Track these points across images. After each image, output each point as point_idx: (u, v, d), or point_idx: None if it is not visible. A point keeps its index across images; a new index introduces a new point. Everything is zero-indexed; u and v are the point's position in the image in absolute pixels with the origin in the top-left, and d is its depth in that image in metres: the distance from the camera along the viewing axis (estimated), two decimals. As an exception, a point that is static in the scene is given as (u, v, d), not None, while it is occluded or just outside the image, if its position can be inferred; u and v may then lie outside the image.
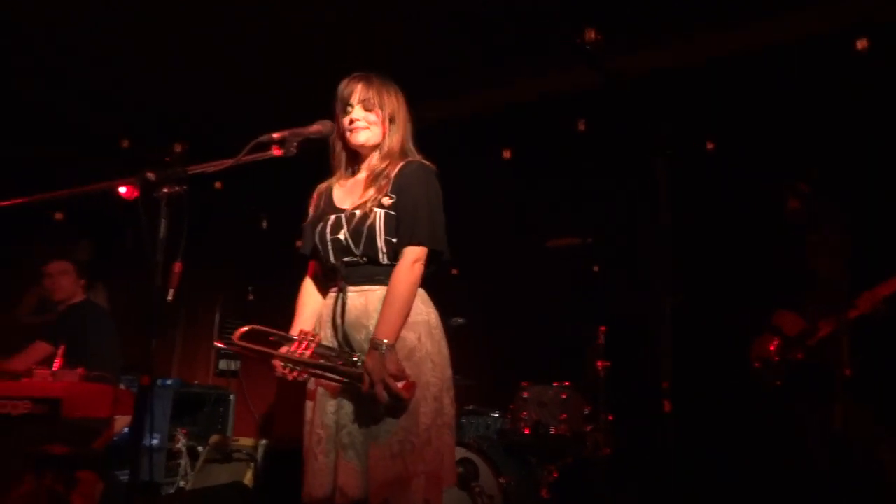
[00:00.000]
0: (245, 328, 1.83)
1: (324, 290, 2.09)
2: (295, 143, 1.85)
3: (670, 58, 3.73)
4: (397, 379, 1.76)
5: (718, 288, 3.44)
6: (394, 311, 1.82)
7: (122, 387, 3.11)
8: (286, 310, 2.20)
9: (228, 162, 1.72)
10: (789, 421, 2.92)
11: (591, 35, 2.75)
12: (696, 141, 3.48)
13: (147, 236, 1.51)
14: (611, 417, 3.17)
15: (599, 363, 3.18)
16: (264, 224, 5.13)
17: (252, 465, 4.03)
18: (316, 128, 1.97)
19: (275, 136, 1.82)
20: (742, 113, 3.54)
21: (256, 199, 5.07)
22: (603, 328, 3.23)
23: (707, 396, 3.21)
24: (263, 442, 4.12)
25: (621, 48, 3.53)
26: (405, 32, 3.71)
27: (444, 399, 1.91)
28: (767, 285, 3.10)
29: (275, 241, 4.96)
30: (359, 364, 1.81)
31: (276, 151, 1.83)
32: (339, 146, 2.07)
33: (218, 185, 4.75)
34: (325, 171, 2.17)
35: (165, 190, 1.55)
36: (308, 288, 2.12)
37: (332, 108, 2.08)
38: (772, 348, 2.95)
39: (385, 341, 1.78)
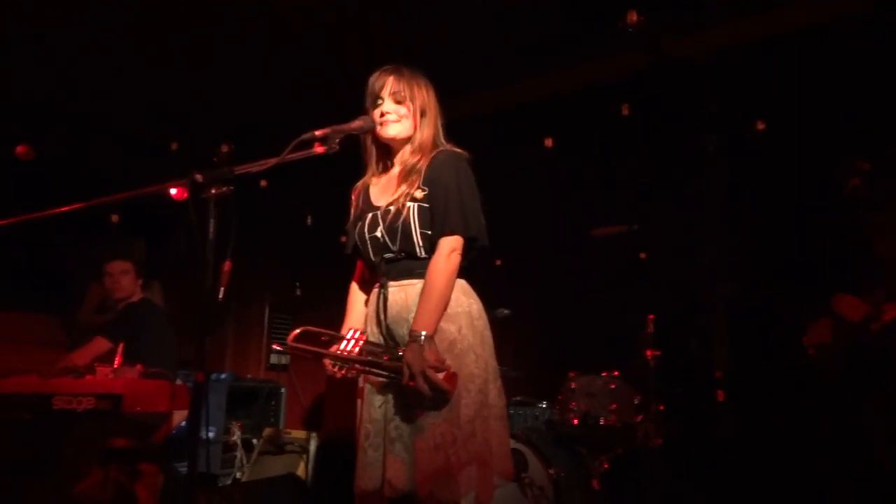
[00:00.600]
0: (298, 330, 1.88)
1: (369, 288, 2.11)
2: (337, 140, 1.88)
3: (719, 37, 3.59)
4: (437, 370, 1.76)
5: (774, 272, 3.32)
6: (431, 303, 1.82)
7: (178, 382, 3.21)
8: (333, 304, 2.24)
9: (273, 161, 1.75)
10: (850, 412, 2.80)
11: (633, 17, 2.68)
12: (747, 122, 3.35)
13: (197, 236, 1.55)
14: (662, 407, 3.11)
15: (649, 352, 3.12)
16: (309, 221, 5.20)
17: (304, 456, 4.12)
18: (357, 123, 1.99)
19: (317, 133, 1.84)
20: (796, 91, 3.40)
21: (301, 197, 5.15)
22: (652, 316, 3.17)
23: (762, 385, 3.12)
24: (314, 434, 4.20)
25: (669, 29, 3.42)
26: (447, 24, 3.69)
27: (490, 390, 1.91)
28: (825, 269, 2.98)
29: (320, 237, 5.04)
30: (400, 355, 1.82)
31: (319, 149, 1.86)
32: (369, 141, 2.08)
33: (263, 183, 4.84)
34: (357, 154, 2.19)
35: (213, 191, 1.59)
36: (355, 287, 2.16)
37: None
38: (830, 334, 2.83)
39: (423, 333, 1.78)
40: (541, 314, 4.02)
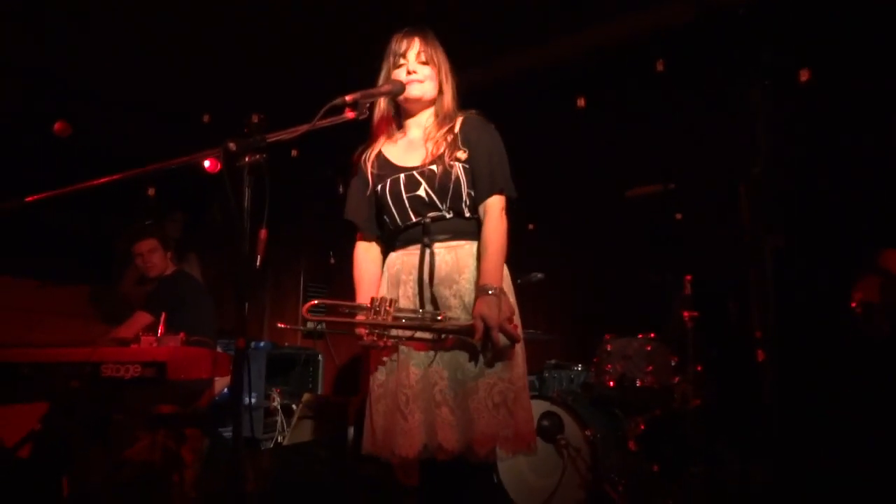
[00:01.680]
0: (314, 301, 1.86)
1: (384, 253, 2.09)
2: (367, 105, 1.86)
3: None
4: (510, 322, 1.80)
5: (819, 226, 3.21)
6: (495, 259, 1.86)
7: (219, 350, 3.30)
8: None
9: (304, 127, 1.74)
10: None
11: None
12: (792, 70, 3.21)
13: (232, 204, 1.56)
14: (699, 368, 3.08)
15: (686, 313, 3.08)
16: (340, 189, 5.22)
17: (343, 420, 4.21)
18: (386, 87, 1.97)
19: (347, 98, 1.83)
20: (842, 37, 3.24)
21: (332, 165, 5.16)
22: (689, 277, 3.12)
23: (805, 345, 3.05)
24: (352, 398, 4.28)
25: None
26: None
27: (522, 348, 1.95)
28: (873, 223, 2.88)
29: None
30: (441, 321, 1.82)
31: (349, 114, 1.84)
32: (384, 104, 2.05)
33: (294, 152, 4.85)
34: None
35: (247, 159, 1.59)
36: (363, 255, 2.09)
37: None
38: (879, 292, 2.75)
39: (495, 286, 1.80)
40: (575, 277, 4.00)
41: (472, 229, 1.95)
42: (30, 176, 4.00)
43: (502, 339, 1.78)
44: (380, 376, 1.95)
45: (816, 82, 3.20)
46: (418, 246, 1.94)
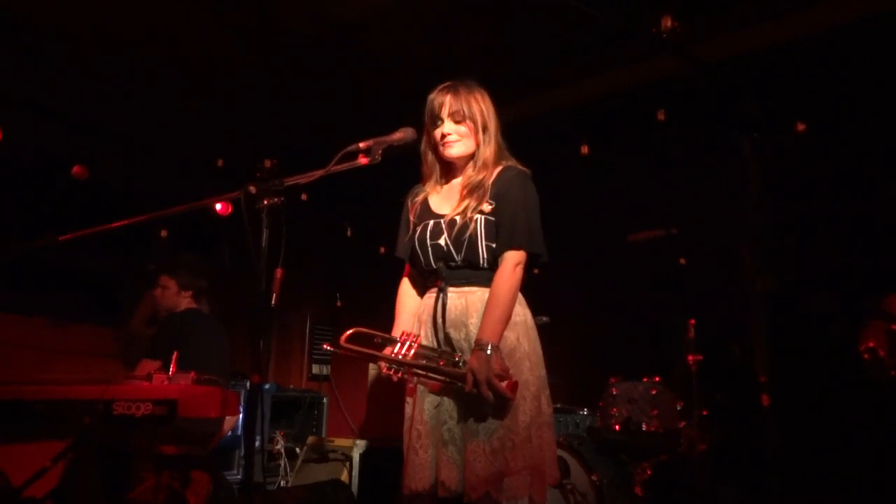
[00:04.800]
0: (350, 331, 1.93)
1: (420, 292, 2.16)
2: (379, 151, 1.94)
3: (754, 39, 3.55)
4: (501, 379, 1.81)
5: (821, 273, 3.25)
6: (497, 313, 1.88)
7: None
8: (374, 315, 2.28)
9: (319, 173, 1.83)
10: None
11: (667, 23, 2.70)
12: (785, 122, 3.31)
13: (250, 245, 1.63)
14: (705, 413, 3.08)
15: (690, 357, 3.10)
16: (349, 233, 5.31)
17: (347, 464, 4.18)
18: (398, 135, 2.04)
19: (361, 145, 1.91)
20: (834, 89, 3.35)
21: (341, 209, 5.26)
22: (692, 321, 3.15)
23: (811, 390, 3.06)
24: (359, 442, 4.26)
25: (703, 32, 3.40)
26: (481, 34, 3.73)
27: (542, 398, 1.95)
28: (877, 268, 2.92)
29: (359, 248, 5.13)
30: (460, 364, 1.87)
31: (363, 160, 1.93)
32: (430, 157, 2.13)
33: (304, 196, 4.95)
34: (405, 179, 2.24)
35: (265, 202, 1.66)
36: (405, 290, 2.19)
37: (410, 117, 2.15)
38: (884, 337, 2.77)
39: (490, 342, 1.83)
40: (580, 321, 4.02)
41: (485, 277, 1.97)
42: (49, 215, 4.12)
43: (491, 396, 1.80)
44: (407, 409, 2.02)
45: (809, 132, 3.29)
46: (436, 289, 2.02)
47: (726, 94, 3.14)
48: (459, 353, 1.91)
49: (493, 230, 1.97)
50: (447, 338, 1.97)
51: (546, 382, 2.01)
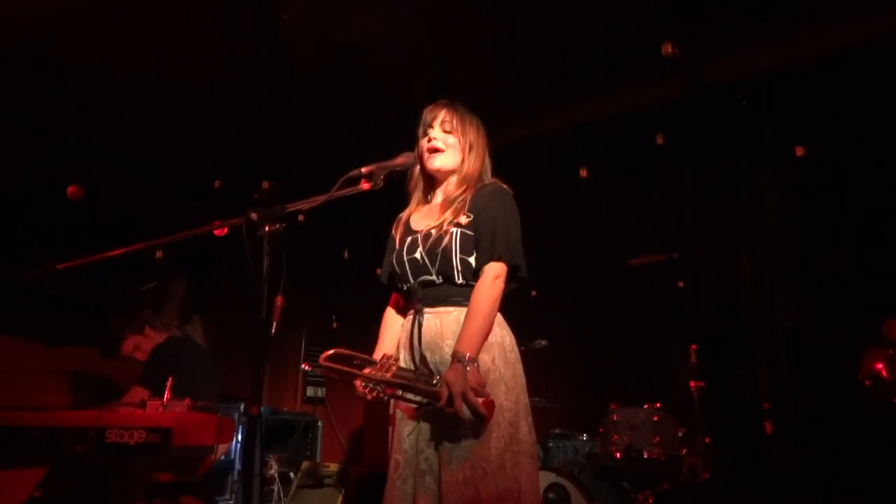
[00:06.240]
0: (331, 351, 1.89)
1: (403, 315, 2.12)
2: (382, 176, 1.93)
3: (764, 61, 3.53)
4: (477, 394, 1.75)
5: (825, 299, 3.22)
6: (475, 325, 1.83)
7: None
8: (369, 337, 2.25)
9: (321, 198, 1.81)
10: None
11: (667, 49, 2.71)
12: (795, 145, 3.28)
13: (251, 272, 1.60)
14: (707, 440, 3.04)
15: (692, 383, 3.07)
16: (346, 254, 5.28)
17: (343, 490, 4.11)
18: (400, 160, 2.03)
19: (363, 170, 1.90)
20: (847, 112, 3.32)
21: (337, 230, 5.23)
22: (694, 346, 3.13)
23: (814, 416, 3.03)
24: (352, 468, 4.20)
25: (709, 54, 3.39)
26: (482, 56, 3.74)
27: (521, 425, 1.88)
28: (876, 293, 2.90)
29: (356, 270, 5.09)
30: (437, 385, 1.80)
31: (365, 185, 1.91)
32: (416, 171, 2.12)
33: (301, 217, 4.93)
34: (402, 199, 2.22)
35: (267, 228, 1.64)
36: (390, 314, 2.17)
37: (410, 138, 2.13)
38: (883, 362, 2.76)
39: (467, 354, 1.77)
40: (580, 345, 3.99)
41: (462, 296, 1.92)
42: (44, 236, 4.08)
43: (466, 412, 1.73)
44: (389, 438, 1.99)
45: (819, 158, 3.26)
46: (413, 311, 1.98)
47: (735, 118, 3.13)
48: (436, 376, 1.85)
49: (469, 243, 1.92)
50: (423, 360, 1.92)
51: (528, 410, 1.93)
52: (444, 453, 1.81)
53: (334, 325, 5.55)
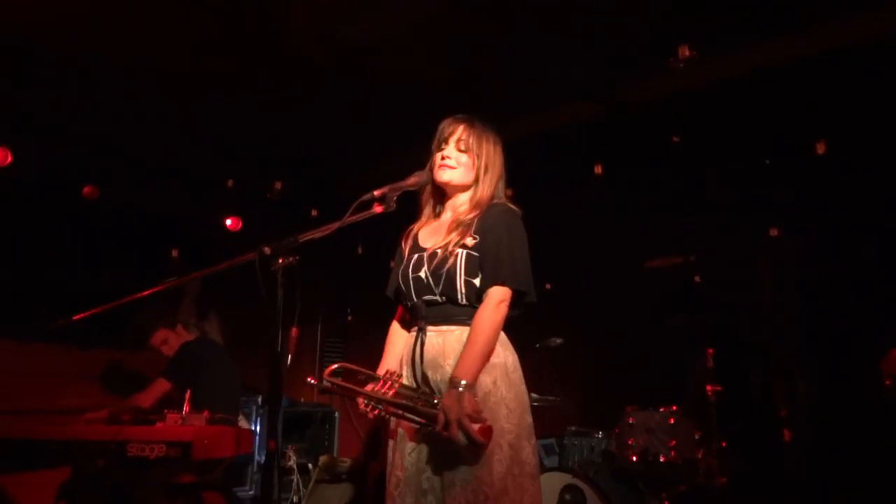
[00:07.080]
0: (335, 366, 1.90)
1: (408, 331, 2.10)
2: (394, 198, 1.92)
3: (781, 54, 3.41)
4: (474, 421, 1.72)
5: (844, 297, 3.17)
6: (475, 351, 1.81)
7: (241, 422, 3.30)
8: (384, 330, 2.23)
9: (335, 225, 1.82)
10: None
11: (685, 52, 2.64)
12: (811, 143, 3.19)
13: (266, 305, 1.60)
14: (724, 444, 3.03)
15: (709, 387, 3.05)
16: (360, 249, 5.28)
17: (359, 486, 4.16)
18: (413, 180, 2.01)
19: (376, 193, 1.90)
20: (874, 113, 3.22)
21: (351, 225, 5.23)
22: (711, 350, 3.10)
23: (834, 420, 3.00)
24: (372, 463, 4.25)
25: (720, 50, 3.30)
26: (495, 47, 3.67)
27: (524, 447, 1.86)
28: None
29: (371, 262, 5.10)
30: (438, 406, 1.78)
31: (378, 208, 1.91)
32: (428, 186, 2.09)
33: (314, 212, 4.93)
34: (414, 196, 2.19)
35: (280, 261, 1.63)
36: (395, 329, 2.15)
37: (422, 140, 2.11)
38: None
39: (464, 381, 1.76)
40: (596, 344, 3.97)
41: (465, 314, 1.90)
42: (61, 236, 4.12)
43: (462, 438, 1.72)
44: (389, 453, 1.97)
45: (840, 160, 3.18)
46: (416, 328, 1.97)
47: (751, 114, 3.05)
48: (438, 395, 1.84)
49: (474, 265, 1.90)
50: (425, 378, 1.91)
51: (532, 431, 1.91)
52: (445, 475, 1.80)
53: (349, 317, 5.58)
